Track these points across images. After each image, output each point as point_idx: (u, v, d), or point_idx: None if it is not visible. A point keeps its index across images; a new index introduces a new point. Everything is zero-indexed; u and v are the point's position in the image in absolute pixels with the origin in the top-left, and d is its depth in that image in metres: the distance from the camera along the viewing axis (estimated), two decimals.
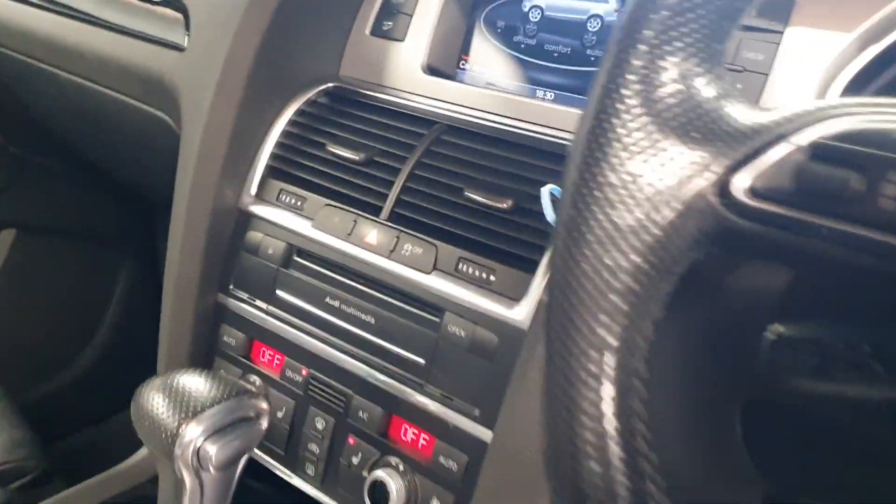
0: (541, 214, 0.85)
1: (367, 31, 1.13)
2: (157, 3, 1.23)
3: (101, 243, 2.04)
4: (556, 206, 0.70)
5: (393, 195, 0.96)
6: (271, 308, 1.04)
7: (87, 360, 2.05)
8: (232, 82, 1.05)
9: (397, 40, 1.09)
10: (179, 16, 1.18)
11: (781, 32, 0.80)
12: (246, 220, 1.08)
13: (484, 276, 0.87)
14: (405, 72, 1.08)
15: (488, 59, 1.06)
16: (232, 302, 1.09)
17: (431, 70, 1.06)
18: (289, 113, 1.10)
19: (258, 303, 1.06)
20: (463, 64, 1.08)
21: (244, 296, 1.07)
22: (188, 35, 1.15)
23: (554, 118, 0.95)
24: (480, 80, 1.06)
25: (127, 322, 2.10)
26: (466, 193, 0.90)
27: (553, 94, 1.00)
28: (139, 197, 1.96)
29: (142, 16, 1.24)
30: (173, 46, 1.17)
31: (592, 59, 0.97)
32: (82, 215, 1.98)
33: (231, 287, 1.09)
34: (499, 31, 1.05)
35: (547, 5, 1.01)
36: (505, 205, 0.88)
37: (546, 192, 0.71)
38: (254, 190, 1.08)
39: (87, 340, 2.06)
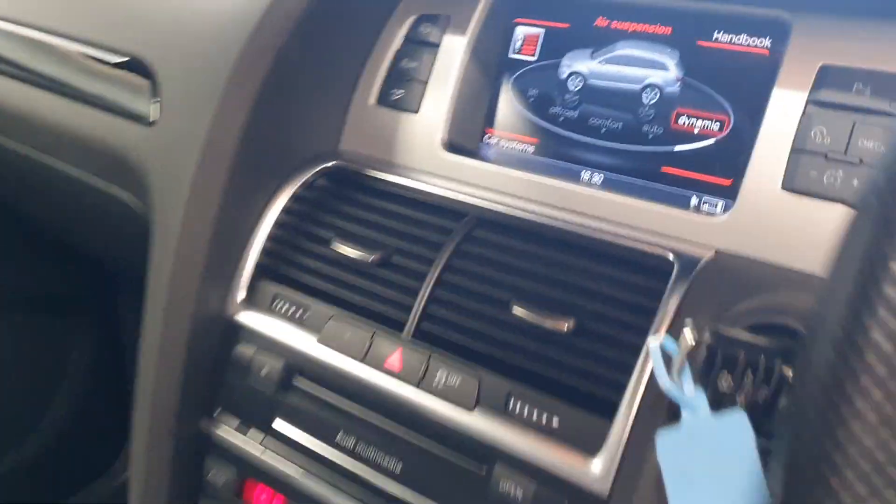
0: (611, 340, 0.69)
1: (373, 101, 0.96)
2: (116, 66, 1.04)
3: (55, 311, 1.83)
4: (671, 364, 0.54)
5: (418, 306, 0.79)
6: (268, 440, 0.86)
7: (39, 441, 1.84)
8: (214, 165, 0.87)
9: (410, 111, 0.92)
10: (145, 82, 1.00)
11: None
12: (234, 331, 0.90)
13: (544, 418, 0.69)
14: (421, 148, 0.91)
15: (518, 132, 0.90)
16: (219, 431, 0.90)
17: (452, 147, 0.90)
18: (282, 199, 0.92)
19: (252, 433, 0.87)
20: (487, 138, 0.92)
21: (234, 424, 0.89)
22: (158, 106, 0.97)
23: (606, 208, 0.79)
24: (510, 158, 0.89)
25: (83, 399, 1.90)
26: (514, 309, 0.73)
27: (602, 177, 0.84)
28: (97, 262, 1.76)
29: (100, 80, 1.05)
30: (139, 119, 0.99)
31: (650, 136, 0.81)
32: (33, 281, 1.77)
33: (217, 413, 0.90)
34: (531, 100, 0.89)
35: (590, 72, 0.85)
36: (565, 326, 0.71)
37: (656, 347, 0.55)
38: (242, 295, 0.90)
39: (40, 418, 1.85)
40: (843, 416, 0.32)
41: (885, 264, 0.31)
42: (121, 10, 1.07)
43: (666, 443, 0.55)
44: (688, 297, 0.67)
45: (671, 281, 0.69)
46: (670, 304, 0.68)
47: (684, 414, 0.54)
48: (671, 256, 0.71)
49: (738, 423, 0.53)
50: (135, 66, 1.02)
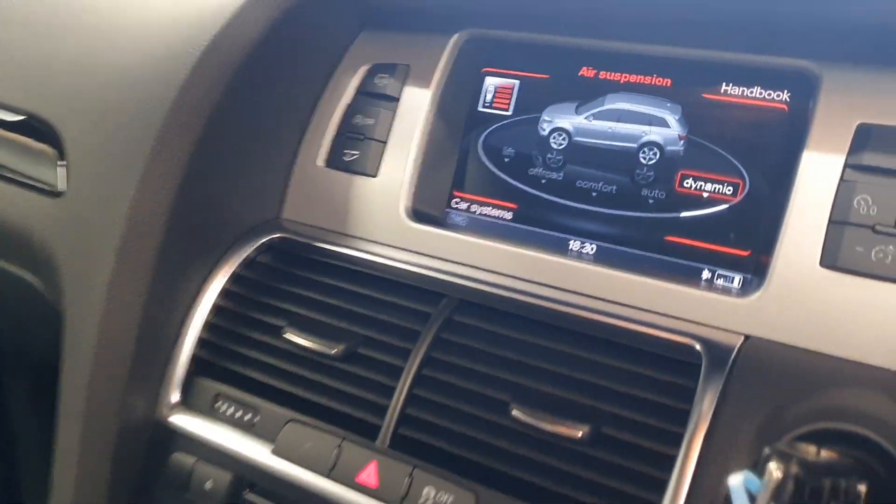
0: (636, 450, 0.59)
1: (321, 162, 0.84)
2: (15, 127, 0.89)
3: None
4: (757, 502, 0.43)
5: (394, 408, 0.67)
6: None
7: None
8: (139, 248, 0.74)
9: (367, 175, 0.81)
10: (51, 149, 0.85)
11: None
12: (167, 437, 0.76)
13: None
14: (382, 218, 0.79)
15: (493, 196, 0.79)
16: None
17: (418, 215, 0.78)
18: (220, 280, 0.79)
19: None
20: (456, 202, 0.81)
21: None
22: (65, 172, 0.82)
23: (601, 285, 0.69)
24: (484, 226, 0.79)
25: None
26: (514, 411, 0.62)
27: (594, 247, 0.74)
28: None
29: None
30: (43, 189, 0.84)
31: (651, 201, 0.72)
32: None
33: None
34: (506, 160, 0.79)
35: (576, 127, 0.75)
36: (579, 433, 0.60)
37: (739, 485, 0.44)
38: (176, 396, 0.76)
39: None
40: None
41: None
42: (17, 62, 0.92)
43: None
44: (726, 396, 0.58)
45: (702, 376, 0.59)
46: (705, 405, 0.58)
47: None
48: (698, 346, 0.61)
49: None
50: (36, 127, 0.87)
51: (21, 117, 0.89)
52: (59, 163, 0.84)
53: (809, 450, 0.49)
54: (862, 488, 0.50)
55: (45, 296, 0.86)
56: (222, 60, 0.76)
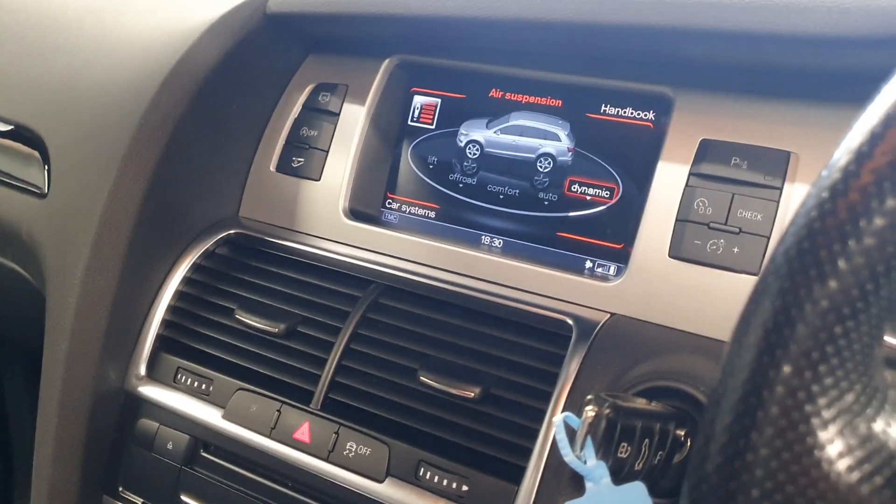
0: (516, 406, 0.72)
1: (272, 167, 0.96)
2: (4, 135, 1.01)
3: None
4: (575, 438, 0.56)
5: (326, 377, 0.79)
6: None
7: None
8: (112, 238, 0.86)
9: (311, 179, 0.93)
10: (34, 153, 0.98)
11: (780, 188, 0.70)
12: (135, 405, 0.88)
13: (454, 485, 0.71)
14: (324, 216, 0.92)
15: (419, 198, 0.92)
16: None
17: (355, 214, 0.91)
18: (182, 269, 0.92)
19: None
20: (389, 203, 0.94)
21: (137, 501, 0.87)
22: (48, 177, 0.95)
23: (507, 273, 0.81)
24: (411, 223, 0.91)
25: None
26: (421, 377, 0.75)
27: (501, 241, 0.87)
28: None
29: None
30: (31, 191, 0.96)
31: (546, 202, 0.85)
32: None
33: (121, 490, 0.88)
34: (430, 167, 0.92)
35: (487, 140, 0.88)
36: (471, 393, 0.73)
37: (560, 422, 0.57)
38: (143, 369, 0.88)
39: None
40: (743, 486, 0.33)
41: (784, 342, 0.33)
42: (7, 76, 1.05)
43: None
44: (586, 362, 0.70)
45: (570, 345, 0.72)
46: (571, 369, 0.71)
47: (588, 486, 0.56)
48: (570, 321, 0.74)
49: (637, 494, 0.56)
50: (24, 135, 0.99)
51: (10, 127, 1.02)
52: (44, 169, 0.96)
53: (637, 399, 0.62)
54: (681, 433, 0.63)
55: (34, 285, 0.99)
56: (185, 81, 0.88)
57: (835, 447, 0.32)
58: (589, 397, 0.58)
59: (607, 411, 0.56)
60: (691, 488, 0.35)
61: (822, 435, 0.32)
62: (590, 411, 0.56)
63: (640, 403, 0.60)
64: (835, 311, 0.31)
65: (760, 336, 0.33)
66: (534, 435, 0.69)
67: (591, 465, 0.55)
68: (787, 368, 0.32)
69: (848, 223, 0.31)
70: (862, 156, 0.32)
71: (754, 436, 0.32)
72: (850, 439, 0.32)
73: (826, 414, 0.32)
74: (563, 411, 0.69)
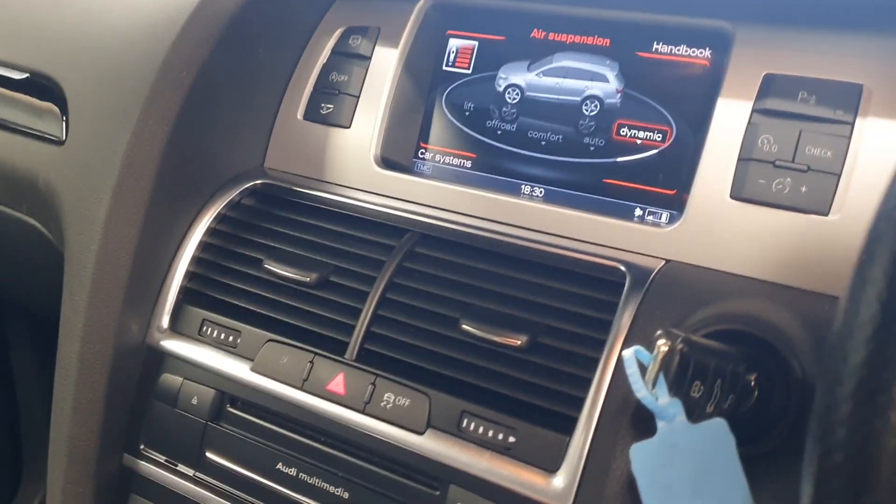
0: (566, 355, 0.67)
1: (300, 115, 0.92)
2: (20, 83, 0.97)
3: None
4: (646, 374, 0.52)
5: (361, 327, 0.75)
6: (199, 475, 0.81)
7: None
8: (133, 188, 0.82)
9: (341, 127, 0.89)
10: (53, 105, 0.93)
11: (851, 124, 0.65)
12: (158, 359, 0.84)
13: (500, 437, 0.67)
14: (354, 165, 0.88)
15: (454, 146, 0.87)
16: (144, 466, 0.84)
17: (386, 162, 0.87)
18: (207, 220, 0.88)
19: (181, 468, 0.82)
20: (422, 153, 0.89)
21: (161, 459, 0.83)
22: (66, 125, 0.91)
23: (550, 221, 0.77)
24: (446, 173, 0.87)
25: None
26: (463, 326, 0.71)
27: (542, 190, 0.82)
28: None
29: (4, 98, 0.98)
30: (48, 139, 0.92)
31: (592, 148, 0.80)
32: None
33: (142, 447, 0.84)
34: (466, 114, 0.87)
35: (528, 83, 0.84)
36: (518, 342, 0.69)
37: (631, 356, 0.53)
38: (166, 321, 0.84)
39: None
40: (876, 430, 0.30)
41: None
42: (22, 24, 1.00)
43: (642, 456, 0.53)
44: (642, 309, 0.66)
45: (624, 292, 0.68)
46: (625, 316, 0.67)
47: (660, 425, 0.52)
48: (623, 268, 0.70)
49: (718, 432, 0.52)
50: (40, 84, 0.95)
51: (25, 75, 0.97)
52: (63, 120, 0.92)
53: (704, 338, 0.58)
54: (751, 378, 0.59)
55: (51, 240, 0.95)
56: (209, 22, 0.84)
57: None
58: (659, 332, 0.54)
59: (681, 346, 0.52)
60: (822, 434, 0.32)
61: None
62: (662, 346, 0.52)
63: (715, 344, 0.56)
64: None
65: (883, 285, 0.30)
66: (586, 384, 0.65)
67: (665, 402, 0.51)
68: None
69: None
70: None
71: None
72: None
73: None
74: (617, 359, 0.65)
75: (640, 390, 0.52)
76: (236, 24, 0.85)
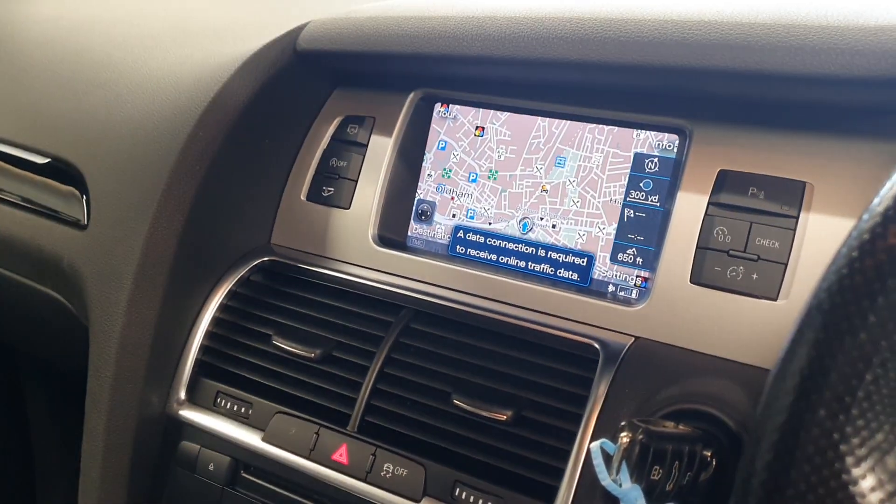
0: (548, 428, 0.75)
1: (303, 197, 1.00)
2: (43, 169, 1.05)
3: None
4: (611, 462, 0.60)
5: (361, 400, 0.83)
6: None
7: None
8: (152, 273, 0.90)
9: (341, 207, 0.97)
10: (75, 190, 1.01)
11: (796, 217, 0.73)
12: (177, 428, 0.92)
13: None
14: (354, 243, 0.95)
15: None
16: None
17: (382, 240, 0.95)
18: (219, 296, 0.95)
19: None
20: (415, 229, 0.97)
21: None
22: (87, 210, 0.99)
23: (531, 297, 0.85)
24: (438, 248, 0.95)
25: None
26: (455, 401, 0.78)
27: (525, 263, 0.90)
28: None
29: (31, 183, 1.06)
30: (72, 223, 1.00)
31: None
32: None
33: None
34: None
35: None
36: (504, 416, 0.76)
37: (597, 448, 0.61)
38: (183, 393, 0.92)
39: None
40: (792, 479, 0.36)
41: (819, 388, 0.36)
42: (43, 111, 1.09)
43: None
44: (614, 385, 0.74)
45: (598, 368, 0.76)
46: (599, 390, 0.74)
47: None
48: (597, 345, 0.78)
49: None
50: (61, 168, 1.03)
51: (47, 160, 1.06)
52: (84, 206, 1.00)
53: (666, 423, 0.66)
54: (707, 453, 0.66)
55: (75, 313, 1.03)
56: (220, 116, 0.92)
57: (867, 482, 0.35)
58: (623, 423, 0.61)
59: (641, 437, 0.60)
60: None
61: (855, 471, 0.35)
62: (624, 437, 0.60)
63: (670, 427, 0.64)
64: (864, 360, 0.35)
65: (797, 382, 0.36)
66: (565, 456, 0.73)
67: (627, 487, 0.58)
68: (822, 412, 0.35)
69: (876, 280, 0.35)
70: (888, 220, 0.35)
71: (793, 473, 0.36)
72: (881, 474, 0.35)
73: (858, 452, 0.35)
74: (593, 434, 0.72)
75: (605, 479, 0.59)
76: (244, 117, 0.93)
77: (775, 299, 0.73)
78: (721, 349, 0.74)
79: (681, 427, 0.66)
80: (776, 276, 0.73)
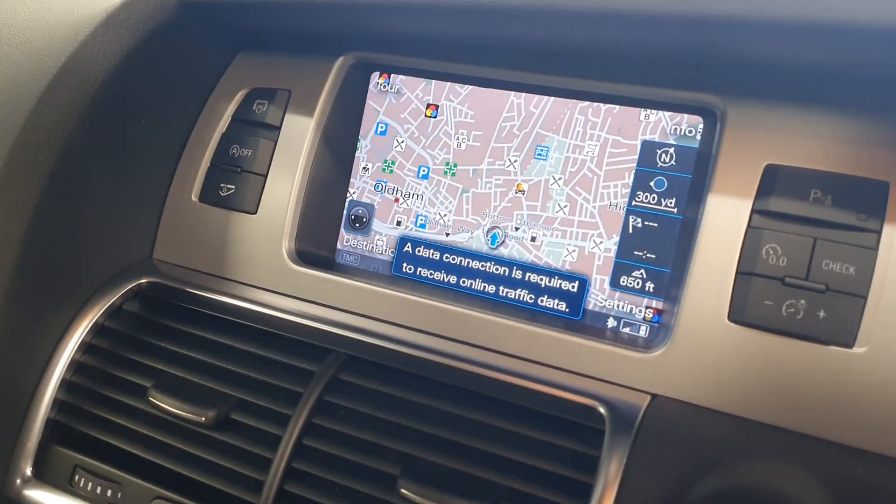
0: None
1: (194, 197, 0.76)
2: None
3: None
4: None
5: (272, 485, 0.60)
6: None
7: None
8: None
9: (245, 212, 0.73)
10: None
11: (878, 232, 0.52)
12: None
13: None
14: (262, 259, 0.72)
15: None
16: None
17: (302, 256, 0.71)
18: (79, 332, 0.71)
19: None
20: (347, 241, 0.74)
21: None
22: None
23: (503, 338, 0.63)
24: (377, 268, 0.72)
25: None
26: (402, 489, 0.56)
27: (494, 288, 0.68)
28: None
29: None
30: None
31: None
32: None
33: None
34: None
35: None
36: None
37: None
38: (28, 468, 0.67)
39: None
40: None
41: None
42: None
43: None
44: (631, 466, 0.52)
45: (605, 442, 0.54)
46: (610, 473, 0.53)
47: None
48: (602, 409, 0.56)
49: None
50: None
51: None
52: None
53: None
54: None
55: None
56: (73, 90, 0.67)
57: None
58: None
59: None
60: None
61: None
62: None
63: None
64: None
65: None
66: None
67: None
68: None
69: None
70: None
71: None
72: None
73: None
74: None
75: None
76: (109, 91, 0.69)
77: (851, 346, 0.52)
78: (776, 415, 0.54)
79: None
80: (853, 313, 0.52)
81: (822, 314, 0.53)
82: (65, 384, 0.70)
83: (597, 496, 0.52)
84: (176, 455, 0.64)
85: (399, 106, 0.72)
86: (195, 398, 0.65)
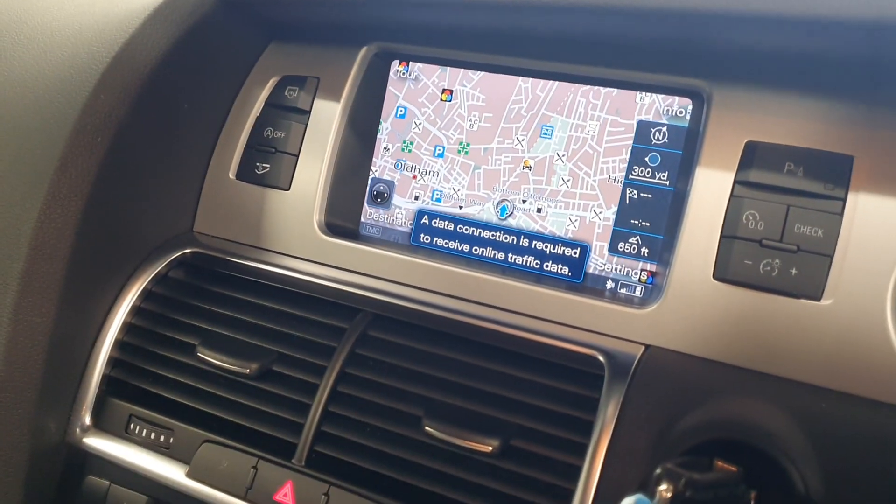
0: (545, 461, 0.61)
1: (232, 174, 0.83)
2: None
3: None
4: None
5: (310, 426, 0.68)
6: None
7: None
8: (45, 270, 0.72)
9: (279, 188, 0.80)
10: None
11: (843, 199, 0.60)
12: (80, 460, 0.75)
13: None
14: (295, 231, 0.79)
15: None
16: None
17: (331, 228, 0.79)
18: (131, 298, 0.78)
19: None
20: (370, 214, 0.81)
21: None
22: None
23: (513, 298, 0.70)
24: (399, 239, 0.80)
25: None
26: (427, 427, 0.63)
27: (504, 255, 0.75)
28: None
29: None
30: None
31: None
32: None
33: None
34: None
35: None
36: (489, 447, 0.62)
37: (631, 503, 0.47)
38: (88, 418, 0.75)
39: None
40: None
41: None
42: None
43: None
44: (626, 408, 0.60)
45: (604, 386, 0.62)
46: (608, 413, 0.60)
47: None
48: (601, 357, 0.63)
49: None
50: None
51: None
52: None
53: (700, 464, 0.52)
54: (752, 495, 0.53)
55: None
56: (127, 76, 0.74)
57: None
58: (659, 471, 0.47)
59: (685, 490, 0.46)
60: None
61: None
62: (665, 491, 0.46)
63: (711, 475, 0.50)
64: None
65: None
66: (568, 497, 0.59)
67: None
68: None
69: None
70: None
71: None
72: None
73: None
74: (603, 469, 0.58)
75: None
76: (156, 78, 0.76)
77: (819, 299, 0.60)
78: (754, 361, 0.61)
79: (719, 464, 0.52)
80: (821, 270, 0.60)
81: (794, 271, 0.61)
82: (118, 343, 0.77)
83: (597, 431, 0.60)
84: (223, 403, 0.72)
85: (417, 91, 0.79)
86: (239, 353, 0.72)
